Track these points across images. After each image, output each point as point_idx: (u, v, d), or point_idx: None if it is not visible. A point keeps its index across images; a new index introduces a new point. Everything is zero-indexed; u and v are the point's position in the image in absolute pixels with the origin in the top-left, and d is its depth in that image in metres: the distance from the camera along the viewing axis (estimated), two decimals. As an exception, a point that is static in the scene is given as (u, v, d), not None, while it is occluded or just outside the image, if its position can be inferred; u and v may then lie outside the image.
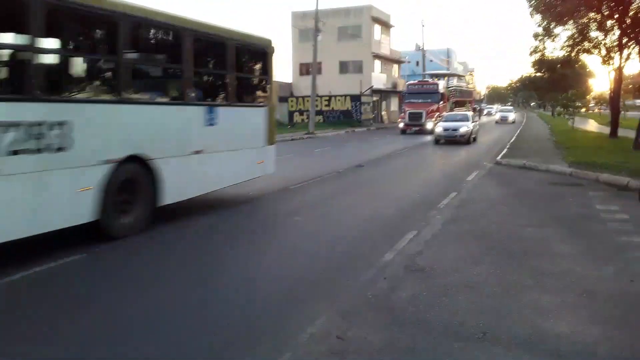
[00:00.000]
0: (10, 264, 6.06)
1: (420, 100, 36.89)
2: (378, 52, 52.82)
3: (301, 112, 47.24)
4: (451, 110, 39.45)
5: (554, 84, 57.40)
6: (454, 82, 57.34)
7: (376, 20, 53.89)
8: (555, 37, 28.12)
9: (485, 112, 74.98)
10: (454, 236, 7.84)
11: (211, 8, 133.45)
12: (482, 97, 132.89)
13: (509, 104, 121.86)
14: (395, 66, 60.37)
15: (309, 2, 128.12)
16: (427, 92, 38.14)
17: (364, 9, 52.28)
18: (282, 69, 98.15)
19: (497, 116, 52.35)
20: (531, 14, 26.31)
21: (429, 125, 32.77)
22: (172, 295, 5.49)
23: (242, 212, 9.88)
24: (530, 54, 33.70)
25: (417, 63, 62.11)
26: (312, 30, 38.12)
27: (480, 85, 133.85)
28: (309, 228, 8.62)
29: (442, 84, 40.96)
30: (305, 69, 50.33)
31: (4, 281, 5.68)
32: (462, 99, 50.61)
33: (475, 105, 66.52)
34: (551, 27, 26.96)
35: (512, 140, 25.78)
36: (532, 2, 25.33)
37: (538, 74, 59.70)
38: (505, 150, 20.34)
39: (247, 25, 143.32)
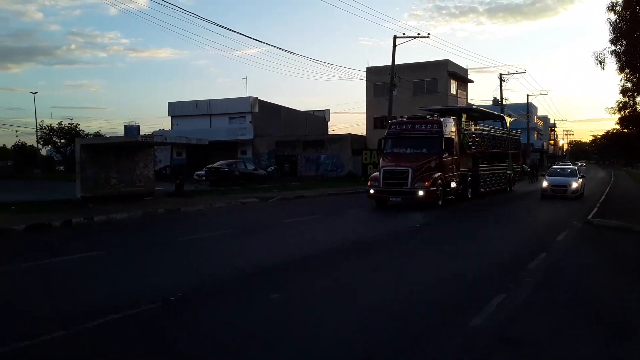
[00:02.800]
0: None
1: (409, 150, 21.23)
2: (454, 106, 52.24)
3: (375, 165, 47.06)
4: (475, 165, 25.24)
5: (645, 140, 54.07)
6: (472, 125, 33.15)
7: (452, 75, 53.58)
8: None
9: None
10: (547, 303, 7.12)
11: (290, 64, 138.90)
12: (563, 154, 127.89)
13: (589, 161, 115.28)
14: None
15: (384, 58, 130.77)
16: (421, 137, 21.32)
17: (440, 64, 52.20)
18: (358, 123, 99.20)
19: (544, 183, 26.34)
20: (621, 69, 25.08)
21: (421, 193, 19.41)
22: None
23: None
24: (619, 110, 31.96)
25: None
26: (387, 85, 38.30)
27: (561, 140, 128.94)
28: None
29: (450, 124, 22.32)
30: (379, 123, 50.48)
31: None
32: (496, 149, 28.68)
33: (530, 162, 55.93)
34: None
35: (601, 200, 24.12)
36: (622, 57, 24.17)
37: (625, 130, 56.63)
38: (596, 209, 19.00)
39: (325, 79, 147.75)
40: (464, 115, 26.84)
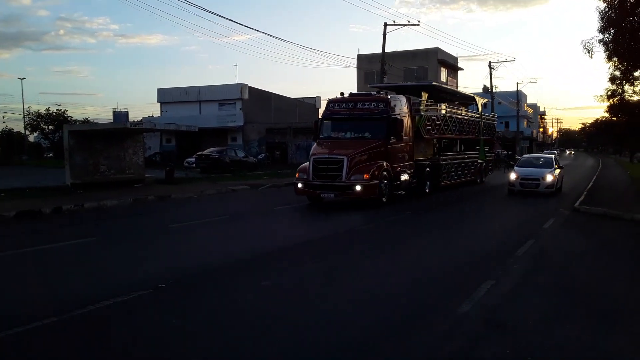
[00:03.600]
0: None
1: (348, 135, 17.43)
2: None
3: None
4: (435, 153, 21.89)
5: (633, 128, 54.48)
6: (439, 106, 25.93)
7: (442, 62, 53.62)
8: (635, 80, 26.73)
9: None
10: (535, 288, 7.23)
11: (281, 51, 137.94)
12: (553, 141, 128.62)
13: (578, 149, 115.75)
14: (462, 108, 59.36)
15: (375, 46, 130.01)
16: (363, 118, 17.42)
17: (430, 52, 52.19)
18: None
19: (512, 176, 21.47)
20: (609, 57, 25.19)
21: (359, 188, 15.56)
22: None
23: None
24: (608, 98, 32.15)
25: (485, 105, 61.02)
26: (378, 72, 38.25)
27: (551, 129, 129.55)
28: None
29: (401, 104, 18.43)
30: (370, 110, 50.43)
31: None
32: (463, 135, 24.58)
33: (500, 151, 47.59)
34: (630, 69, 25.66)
35: (589, 187, 23.77)
36: (609, 46, 24.28)
37: (614, 119, 56.99)
38: (583, 197, 19.17)
39: (316, 67, 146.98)
40: (425, 95, 20.94)
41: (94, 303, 6.06)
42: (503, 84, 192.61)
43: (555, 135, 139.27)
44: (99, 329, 5.46)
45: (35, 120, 53.87)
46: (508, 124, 73.73)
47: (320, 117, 18.73)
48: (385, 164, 16.50)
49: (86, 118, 56.19)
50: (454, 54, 57.32)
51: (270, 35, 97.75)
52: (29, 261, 8.70)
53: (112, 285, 6.95)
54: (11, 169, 33.72)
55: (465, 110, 25.83)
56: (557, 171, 21.07)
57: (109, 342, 5.16)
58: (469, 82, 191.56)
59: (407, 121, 18.33)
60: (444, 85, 26.63)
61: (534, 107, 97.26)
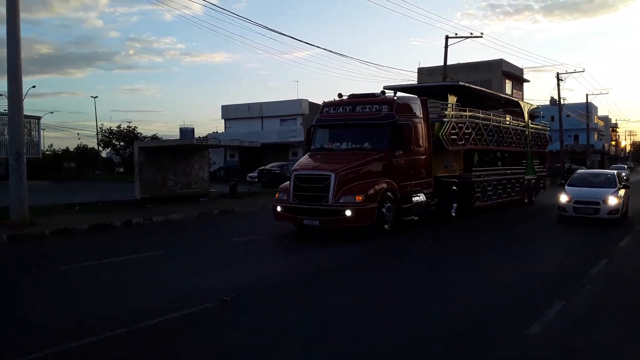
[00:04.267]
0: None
1: (345, 145, 14.26)
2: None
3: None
4: (466, 168, 18.14)
5: None
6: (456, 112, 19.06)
7: (507, 74, 52.36)
8: None
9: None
10: (609, 311, 6.86)
11: (341, 67, 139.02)
12: (626, 155, 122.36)
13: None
14: (508, 117, 57.58)
15: (436, 59, 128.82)
16: (362, 124, 14.26)
17: (494, 63, 51.11)
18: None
19: (563, 198, 16.31)
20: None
21: (349, 213, 12.33)
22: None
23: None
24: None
25: (552, 118, 59.04)
26: (440, 86, 37.65)
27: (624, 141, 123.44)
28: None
29: (413, 106, 14.96)
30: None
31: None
32: (504, 146, 20.81)
33: (559, 165, 44.63)
34: None
35: None
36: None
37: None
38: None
39: (376, 81, 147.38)
40: (453, 98, 17.50)
41: (163, 315, 6.27)
42: (572, 96, 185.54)
43: (628, 148, 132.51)
44: (168, 341, 5.64)
45: (108, 137, 56.68)
46: (577, 137, 70.97)
47: (312, 124, 15.23)
48: (387, 181, 13.20)
49: (155, 134, 58.64)
50: (519, 66, 55.90)
51: (330, 51, 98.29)
52: (100, 273, 9.10)
53: (179, 298, 7.17)
54: (85, 184, 35.49)
55: (511, 119, 21.97)
56: (622, 191, 16.48)
57: (179, 354, 5.32)
58: (536, 94, 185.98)
59: (421, 128, 14.84)
60: (477, 87, 20.87)
61: (605, 119, 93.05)
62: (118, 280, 8.58)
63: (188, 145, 22.75)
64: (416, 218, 14.39)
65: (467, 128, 17.52)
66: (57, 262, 9.74)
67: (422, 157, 14.99)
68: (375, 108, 14.03)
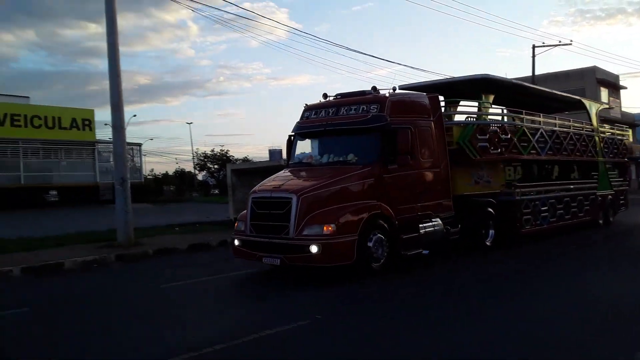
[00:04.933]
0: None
1: (326, 158, 11.13)
2: (607, 115, 48.06)
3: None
4: (509, 183, 14.55)
5: None
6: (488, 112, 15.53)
7: (602, 82, 49.44)
8: None
9: None
10: None
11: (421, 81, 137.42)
12: None
13: None
14: (630, 131, 54.01)
15: (522, 69, 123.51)
16: (345, 130, 10.96)
17: (587, 71, 48.48)
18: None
19: None
20: None
21: (315, 250, 9.06)
22: None
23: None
24: None
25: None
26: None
27: None
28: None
29: (414, 105, 11.70)
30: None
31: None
32: (562, 155, 16.70)
33: None
34: None
35: None
36: None
37: None
38: None
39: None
40: (488, 97, 14.27)
41: (258, 332, 6.52)
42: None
43: None
44: (263, 356, 5.89)
45: (203, 161, 59.64)
46: (688, 145, 65.20)
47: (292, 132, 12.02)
48: (376, 204, 9.97)
49: (245, 157, 60.83)
50: (615, 72, 52.65)
51: (411, 67, 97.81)
52: (200, 290, 9.63)
53: (274, 315, 7.47)
54: (183, 205, 37.49)
55: (572, 121, 17.84)
56: None
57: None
58: (636, 101, 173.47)
59: (432, 134, 11.50)
60: (518, 82, 16.94)
61: None
62: (217, 298, 9.04)
63: (277, 166, 23.42)
64: (426, 252, 10.75)
65: (505, 132, 13.95)
66: (161, 280, 10.35)
67: (434, 170, 11.48)
68: (363, 109, 10.79)
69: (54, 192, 32.87)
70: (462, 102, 14.56)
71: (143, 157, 36.92)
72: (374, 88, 11.25)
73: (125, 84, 14.54)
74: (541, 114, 15.95)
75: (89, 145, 35.46)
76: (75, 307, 8.53)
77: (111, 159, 32.15)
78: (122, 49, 14.76)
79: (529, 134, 14.98)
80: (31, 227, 17.34)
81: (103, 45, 14.90)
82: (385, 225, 10.01)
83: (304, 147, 11.74)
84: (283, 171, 11.76)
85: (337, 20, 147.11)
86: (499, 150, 13.61)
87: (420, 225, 10.83)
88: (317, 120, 11.42)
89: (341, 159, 10.74)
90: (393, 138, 10.34)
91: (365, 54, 60.45)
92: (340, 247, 9.25)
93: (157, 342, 6.40)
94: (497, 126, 13.86)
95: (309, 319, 7.10)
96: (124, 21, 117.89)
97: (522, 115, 15.07)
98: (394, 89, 11.41)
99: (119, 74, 14.79)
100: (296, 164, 11.54)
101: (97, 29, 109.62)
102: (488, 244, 13.02)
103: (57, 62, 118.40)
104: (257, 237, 10.01)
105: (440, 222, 11.36)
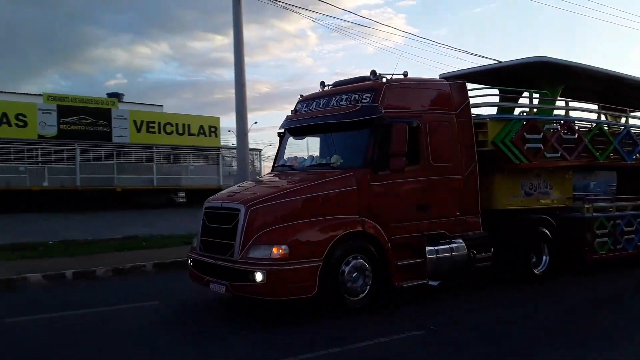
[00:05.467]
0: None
1: (309, 161, 9.19)
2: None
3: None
4: (574, 195, 11.37)
5: None
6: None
7: None
8: None
9: None
10: None
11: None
12: None
13: None
14: None
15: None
16: (331, 125, 8.76)
17: None
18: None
19: None
20: None
21: (259, 277, 7.08)
22: None
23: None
24: None
25: None
26: None
27: None
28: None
29: (422, 93, 9.15)
30: None
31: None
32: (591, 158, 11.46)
33: None
34: None
35: None
36: None
37: None
38: None
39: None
40: (555, 88, 11.39)
41: (372, 339, 6.50)
42: None
43: None
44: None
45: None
46: None
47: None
48: (356, 220, 7.79)
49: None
50: None
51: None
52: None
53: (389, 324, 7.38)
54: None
55: None
56: None
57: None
58: None
59: (452, 130, 9.00)
60: (592, 66, 11.87)
61: None
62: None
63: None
64: (434, 283, 8.21)
65: (570, 132, 10.89)
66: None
67: (453, 177, 8.92)
68: (354, 99, 8.54)
69: (182, 194, 35.18)
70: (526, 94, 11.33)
71: (262, 162, 38.51)
72: (373, 72, 8.66)
73: (247, 92, 15.26)
74: (628, 109, 12.64)
75: (214, 151, 37.63)
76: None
77: (234, 164, 33.90)
78: (245, 59, 15.55)
79: (608, 136, 11.87)
80: (162, 225, 18.70)
81: (228, 56, 15.87)
82: (371, 247, 7.73)
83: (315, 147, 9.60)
84: (264, 175, 10.79)
85: (457, 22, 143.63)
86: (559, 154, 10.59)
87: (429, 249, 8.24)
88: (304, 115, 9.40)
89: (324, 161, 8.77)
90: (384, 134, 8.08)
91: (485, 57, 57.94)
92: (293, 276, 7.13)
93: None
94: (558, 123, 10.94)
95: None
96: (248, 32, 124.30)
97: (594, 109, 12.23)
98: (405, 74, 8.90)
99: (244, 84, 15.54)
100: (280, 167, 9.73)
101: (223, 40, 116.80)
102: (538, 272, 10.07)
103: (187, 73, 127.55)
104: (205, 257, 8.09)
105: (462, 244, 8.72)
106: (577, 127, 11.26)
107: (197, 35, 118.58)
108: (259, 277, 7.05)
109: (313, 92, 9.91)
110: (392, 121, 8.07)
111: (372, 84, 8.62)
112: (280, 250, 7.11)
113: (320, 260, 7.21)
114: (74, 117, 32.03)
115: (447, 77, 10.90)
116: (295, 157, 9.57)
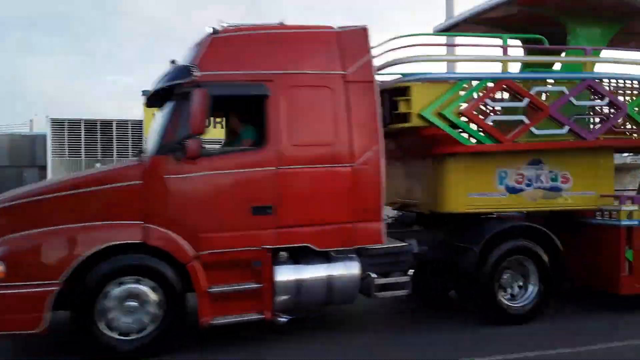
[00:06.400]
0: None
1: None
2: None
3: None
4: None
5: None
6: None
7: None
8: None
9: None
10: None
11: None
12: None
13: None
14: None
15: None
16: (150, 93, 6.35)
17: None
18: None
19: None
20: None
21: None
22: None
23: None
24: None
25: None
26: None
27: None
28: None
29: (283, 45, 5.97)
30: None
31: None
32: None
33: None
34: None
35: None
36: None
37: None
38: None
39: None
40: (576, 30, 7.36)
41: None
42: None
43: None
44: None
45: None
46: None
47: None
48: (135, 226, 5.45)
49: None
50: None
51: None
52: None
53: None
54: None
55: None
56: None
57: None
58: None
59: (337, 99, 5.95)
60: None
61: None
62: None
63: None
64: (284, 319, 5.71)
65: (600, 94, 6.93)
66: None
67: (332, 167, 6.00)
68: (180, 61, 6.07)
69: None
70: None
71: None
72: (214, 29, 5.79)
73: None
74: None
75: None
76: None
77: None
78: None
79: None
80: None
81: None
82: (162, 267, 5.42)
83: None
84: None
85: None
86: (569, 129, 6.69)
87: (279, 269, 5.69)
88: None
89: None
90: (189, 105, 5.51)
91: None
92: (7, 303, 5.15)
93: None
94: (570, 84, 6.85)
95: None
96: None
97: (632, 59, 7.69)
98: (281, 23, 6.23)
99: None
100: None
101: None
102: (515, 309, 6.55)
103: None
104: None
105: (353, 262, 5.99)
106: (609, 89, 7.38)
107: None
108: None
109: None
110: (195, 88, 5.45)
111: (203, 39, 5.91)
112: None
113: (56, 284, 5.13)
114: None
115: (442, 30, 8.13)
116: None
